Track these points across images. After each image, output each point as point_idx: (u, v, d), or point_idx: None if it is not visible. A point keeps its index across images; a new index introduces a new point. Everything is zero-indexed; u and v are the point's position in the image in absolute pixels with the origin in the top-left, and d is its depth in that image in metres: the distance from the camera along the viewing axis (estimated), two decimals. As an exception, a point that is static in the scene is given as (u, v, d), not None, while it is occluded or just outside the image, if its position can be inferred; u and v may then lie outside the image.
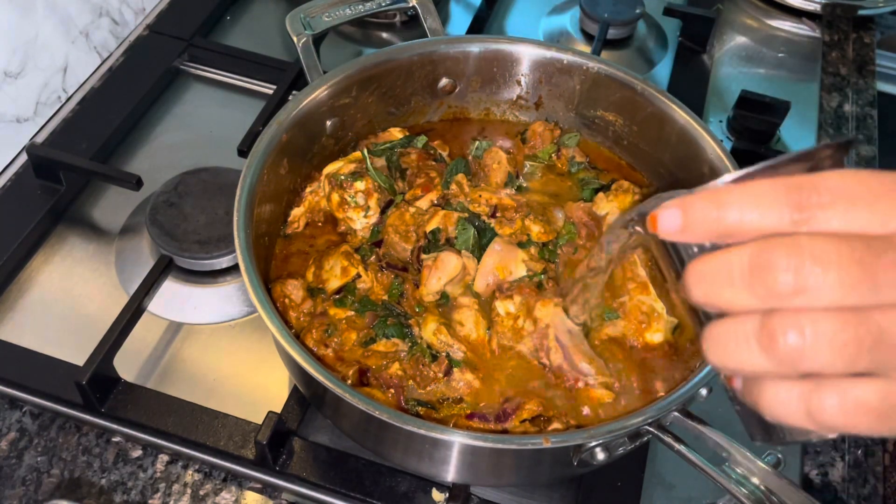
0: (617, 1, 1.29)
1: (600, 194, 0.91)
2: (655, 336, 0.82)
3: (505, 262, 0.83)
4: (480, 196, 0.89)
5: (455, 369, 0.79)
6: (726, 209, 0.40)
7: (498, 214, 0.88)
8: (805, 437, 0.44)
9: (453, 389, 0.78)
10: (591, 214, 0.90)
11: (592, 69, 0.96)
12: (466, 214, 0.87)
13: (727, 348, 0.40)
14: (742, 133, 1.19)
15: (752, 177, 0.41)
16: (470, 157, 0.96)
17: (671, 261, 0.47)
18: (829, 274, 0.37)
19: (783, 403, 0.40)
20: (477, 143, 0.97)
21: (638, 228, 0.53)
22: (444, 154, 0.97)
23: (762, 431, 0.47)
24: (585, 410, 0.78)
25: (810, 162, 0.42)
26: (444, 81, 0.99)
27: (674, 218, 0.41)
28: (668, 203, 0.42)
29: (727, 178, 0.41)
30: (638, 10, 1.28)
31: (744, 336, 0.39)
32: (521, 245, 0.85)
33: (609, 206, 0.90)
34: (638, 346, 0.82)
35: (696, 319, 0.47)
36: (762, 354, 0.39)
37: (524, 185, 0.95)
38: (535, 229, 0.86)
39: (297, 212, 0.90)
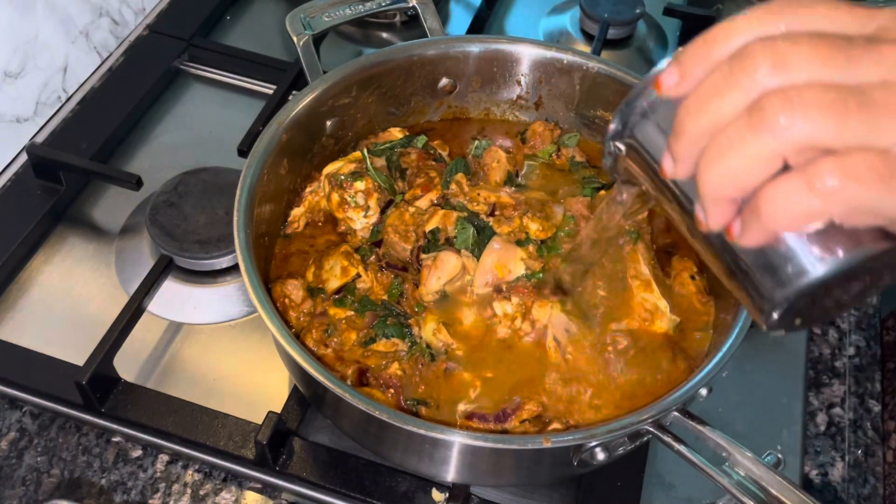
0: (617, 1, 1.29)
1: (602, 192, 0.91)
2: (657, 333, 0.82)
3: (504, 260, 0.83)
4: (479, 195, 0.89)
5: (455, 368, 0.79)
6: (714, 42, 0.41)
7: (497, 213, 0.88)
8: (817, 271, 0.41)
9: (453, 389, 0.78)
10: (592, 209, 0.90)
11: (592, 69, 0.96)
12: (466, 214, 0.87)
13: (722, 155, 0.40)
14: (742, 133, 1.19)
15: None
16: (469, 157, 0.96)
17: (671, 196, 0.47)
18: (803, 51, 0.38)
19: (787, 196, 0.39)
20: (476, 142, 0.97)
21: (619, 145, 0.50)
22: (444, 154, 0.97)
23: (771, 281, 0.43)
24: (585, 410, 0.78)
25: None
26: (444, 81, 0.99)
27: (671, 74, 0.43)
28: (661, 66, 0.44)
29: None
30: (638, 10, 1.28)
31: (736, 131, 0.39)
32: (519, 243, 0.85)
33: (609, 205, 0.90)
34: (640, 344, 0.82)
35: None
36: (756, 138, 0.38)
37: (523, 182, 0.95)
38: (534, 227, 0.86)
39: (297, 212, 0.90)
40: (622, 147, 0.50)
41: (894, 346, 1.03)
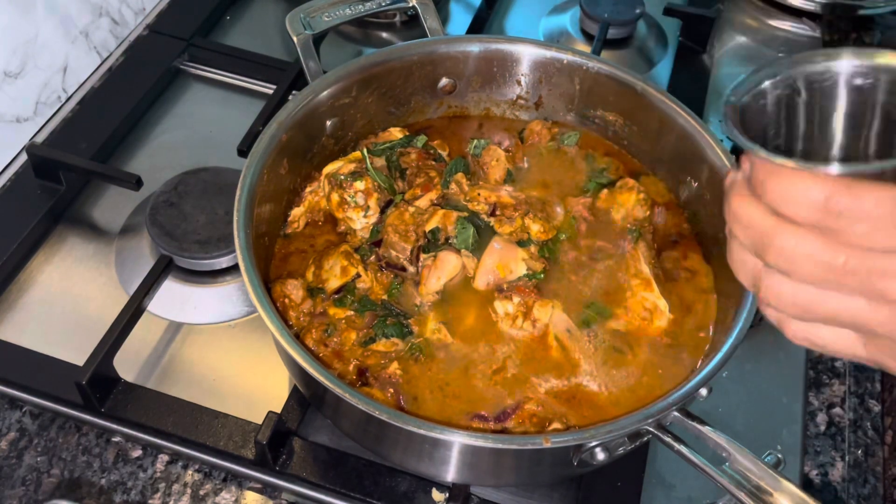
0: (617, 1, 1.29)
1: (605, 191, 0.91)
2: (657, 333, 0.82)
3: (505, 260, 0.83)
4: (479, 194, 0.89)
5: (455, 368, 0.79)
6: (768, 184, 0.48)
7: (497, 213, 0.88)
8: None
9: (453, 388, 0.78)
10: (592, 209, 0.90)
11: (592, 69, 0.96)
12: (466, 214, 0.87)
13: (734, 264, 0.53)
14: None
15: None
16: (469, 156, 0.96)
17: None
18: (804, 270, 0.48)
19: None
20: (475, 141, 0.97)
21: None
22: (444, 154, 0.97)
23: None
24: (585, 410, 0.78)
25: None
26: (444, 81, 0.99)
27: (745, 165, 0.52)
28: (747, 155, 0.51)
29: (808, 165, 0.47)
30: (638, 10, 1.28)
31: (744, 267, 0.52)
32: (520, 243, 0.85)
33: (613, 203, 0.90)
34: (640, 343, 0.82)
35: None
36: (752, 288, 0.53)
37: (526, 166, 0.95)
38: (535, 228, 0.87)
39: (297, 212, 0.90)
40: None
41: None
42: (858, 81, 0.52)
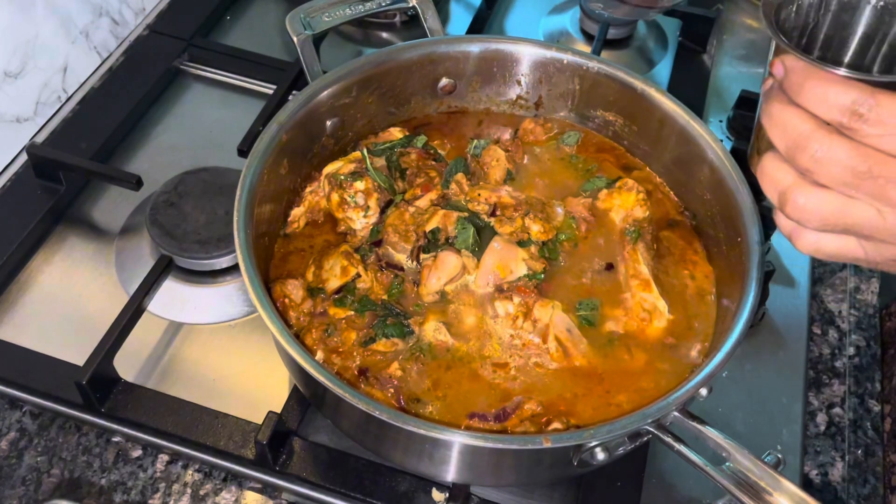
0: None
1: (604, 191, 0.91)
2: (656, 333, 0.82)
3: (505, 260, 0.83)
4: (479, 195, 0.89)
5: (455, 368, 0.79)
6: (806, 87, 0.53)
7: (498, 213, 0.88)
8: None
9: (453, 388, 0.78)
10: (592, 209, 0.90)
11: (592, 69, 0.96)
12: (466, 214, 0.87)
13: (763, 178, 0.59)
14: (742, 133, 1.19)
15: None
16: (468, 156, 0.96)
17: None
18: (832, 172, 0.54)
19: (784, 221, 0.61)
20: (475, 141, 0.97)
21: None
22: (443, 153, 0.97)
23: None
24: (585, 410, 0.78)
25: None
26: (444, 81, 0.99)
27: (779, 69, 0.56)
28: (781, 57, 0.56)
29: (836, 71, 0.53)
30: (638, 10, 1.28)
31: (773, 182, 0.58)
32: (521, 244, 0.85)
33: (612, 204, 0.90)
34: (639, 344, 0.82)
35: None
36: (777, 203, 0.58)
37: (525, 167, 0.95)
38: (535, 228, 0.87)
39: (297, 212, 0.90)
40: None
41: (895, 333, 1.03)
42: (881, 3, 0.59)
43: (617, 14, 0.80)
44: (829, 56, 0.61)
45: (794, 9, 0.60)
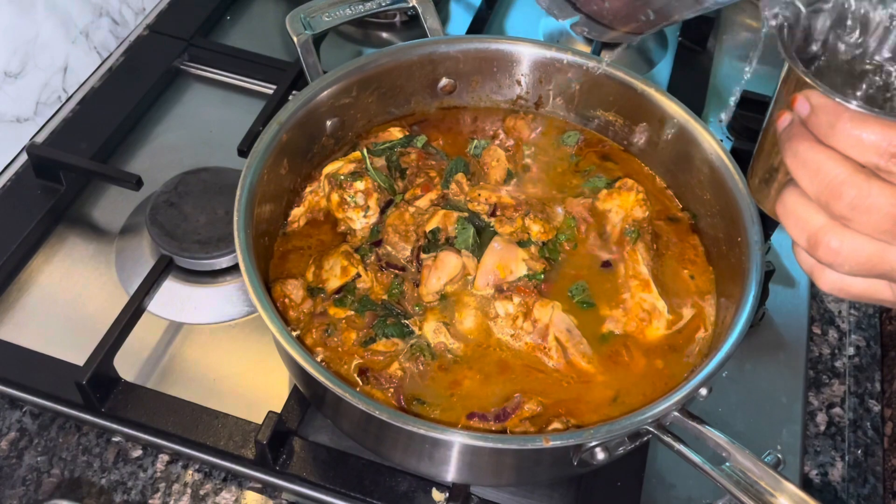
0: (617, 1, 1.29)
1: (604, 191, 0.91)
2: (656, 333, 0.82)
3: (505, 261, 0.83)
4: (479, 195, 0.89)
5: (455, 368, 0.79)
6: (838, 128, 0.49)
7: (498, 213, 0.88)
8: None
9: (453, 388, 0.78)
10: (592, 210, 0.91)
11: (592, 69, 0.96)
12: (466, 214, 0.87)
13: (790, 220, 0.54)
14: (742, 133, 1.19)
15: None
16: (469, 156, 0.96)
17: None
18: (872, 221, 0.49)
19: (804, 254, 0.55)
20: (476, 141, 0.97)
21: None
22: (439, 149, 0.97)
23: None
24: (585, 410, 0.78)
25: None
26: (444, 81, 0.99)
27: (804, 107, 0.52)
28: (805, 93, 0.52)
29: (867, 111, 0.49)
30: (638, 10, 1.28)
31: (803, 224, 0.52)
32: (521, 244, 0.85)
33: (612, 204, 0.90)
34: (638, 345, 0.82)
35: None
36: (807, 246, 0.53)
37: (525, 167, 0.95)
38: (535, 228, 0.87)
39: (297, 212, 0.90)
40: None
41: (895, 336, 1.03)
42: None
43: (603, 39, 0.78)
44: (839, 84, 0.57)
45: (801, 31, 0.56)
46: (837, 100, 0.50)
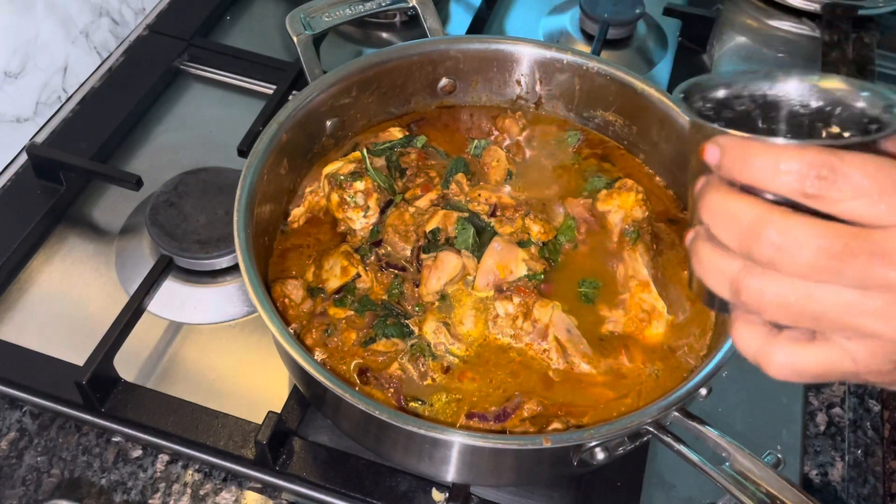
0: (617, 1, 1.29)
1: (603, 191, 0.91)
2: (655, 333, 0.82)
3: (505, 261, 0.83)
4: (480, 195, 0.89)
5: (455, 368, 0.79)
6: (751, 163, 0.45)
7: (498, 213, 0.88)
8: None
9: (453, 389, 0.78)
10: (592, 210, 0.91)
11: (592, 69, 0.96)
12: (466, 214, 0.87)
13: (708, 274, 0.49)
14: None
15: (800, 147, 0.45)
16: (468, 156, 0.96)
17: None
18: (800, 259, 0.44)
19: (745, 337, 0.50)
20: (476, 142, 0.97)
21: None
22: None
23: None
24: (585, 410, 0.78)
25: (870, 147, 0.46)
26: (444, 81, 0.99)
27: (714, 153, 0.48)
28: (714, 140, 0.48)
29: (780, 140, 0.45)
30: (638, 10, 1.28)
31: (721, 274, 0.48)
32: (521, 244, 0.85)
33: (612, 204, 0.90)
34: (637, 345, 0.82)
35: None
36: (730, 295, 0.48)
37: (525, 167, 0.95)
38: (535, 229, 0.87)
39: (297, 212, 0.90)
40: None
41: None
42: (800, 108, 0.50)
43: None
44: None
45: (710, 101, 0.52)
46: (744, 136, 0.46)
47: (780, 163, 0.44)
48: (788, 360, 0.48)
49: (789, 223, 0.44)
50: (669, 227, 0.92)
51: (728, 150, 0.46)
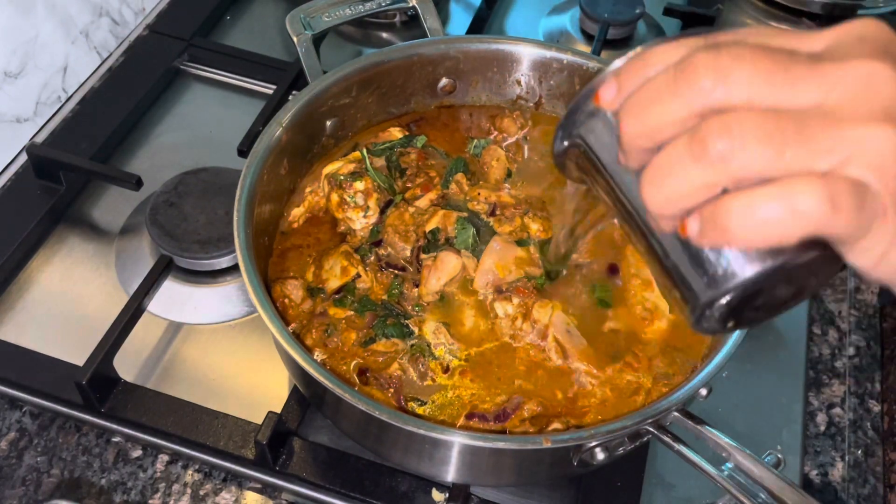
0: (617, 1, 1.29)
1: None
2: (657, 332, 0.82)
3: (504, 261, 0.83)
4: (479, 194, 0.89)
5: (455, 369, 0.79)
6: (654, 56, 0.42)
7: (497, 212, 0.88)
8: (746, 272, 0.43)
9: (453, 389, 0.78)
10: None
11: (592, 69, 0.96)
12: (466, 214, 0.87)
13: (665, 179, 0.41)
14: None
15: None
16: (468, 156, 0.96)
17: (616, 200, 0.48)
18: (745, 67, 0.39)
19: (741, 216, 0.40)
20: (475, 141, 0.97)
21: (566, 143, 0.51)
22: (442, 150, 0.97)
23: (702, 281, 0.45)
24: (585, 410, 0.78)
25: None
26: (444, 81, 0.99)
27: (610, 87, 0.44)
28: (600, 78, 0.45)
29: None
30: (638, 10, 1.28)
31: (677, 156, 0.40)
32: (520, 243, 0.85)
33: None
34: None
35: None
36: (696, 167, 0.40)
37: (527, 161, 0.95)
38: (534, 227, 0.87)
39: (297, 212, 0.90)
40: (567, 144, 0.51)
41: (892, 333, 1.03)
42: None
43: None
44: None
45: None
46: (625, 57, 0.44)
47: (676, 47, 0.42)
48: (788, 202, 0.41)
49: (717, 49, 0.40)
50: None
51: (622, 72, 0.44)
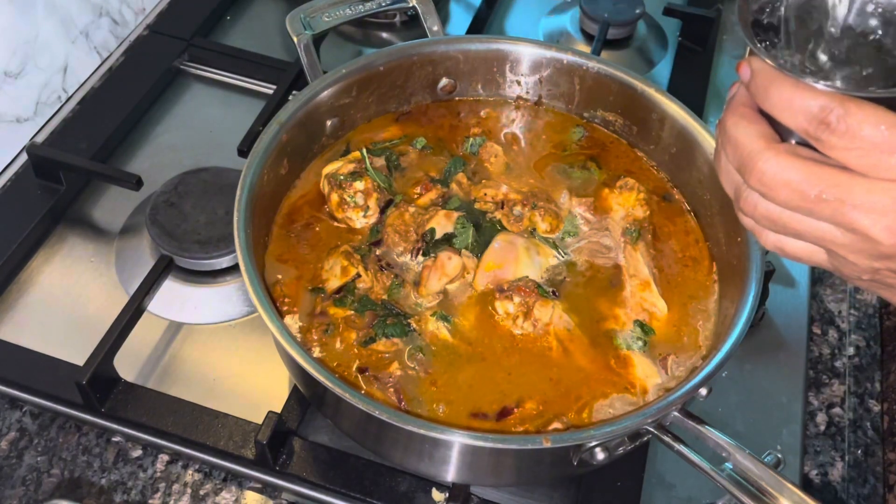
0: (617, 1, 1.29)
1: (605, 190, 0.91)
2: (657, 332, 0.82)
3: (505, 260, 0.83)
4: (485, 194, 0.90)
5: (455, 368, 0.79)
6: (772, 91, 0.51)
7: (505, 208, 0.88)
8: None
9: (453, 388, 0.78)
10: (593, 209, 0.91)
11: (592, 69, 0.96)
12: (466, 213, 0.87)
13: (721, 172, 0.57)
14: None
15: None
16: (464, 154, 0.96)
17: None
18: (779, 197, 0.52)
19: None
20: (471, 139, 0.97)
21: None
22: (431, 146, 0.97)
23: None
24: (585, 410, 0.78)
25: None
26: (444, 81, 0.99)
27: (745, 73, 0.54)
28: (748, 59, 0.53)
29: (807, 80, 0.50)
30: (638, 10, 1.28)
31: (729, 177, 0.56)
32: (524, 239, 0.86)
33: (612, 203, 0.90)
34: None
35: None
36: (733, 197, 0.57)
37: (525, 156, 0.95)
38: (543, 226, 0.87)
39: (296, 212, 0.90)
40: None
41: (892, 333, 1.03)
42: (858, 19, 0.55)
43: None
44: (808, 62, 0.57)
45: (771, 8, 0.56)
46: (775, 66, 0.51)
47: (794, 101, 0.50)
48: (777, 241, 0.56)
49: (777, 162, 0.51)
50: (663, 212, 0.92)
51: (756, 74, 0.52)
